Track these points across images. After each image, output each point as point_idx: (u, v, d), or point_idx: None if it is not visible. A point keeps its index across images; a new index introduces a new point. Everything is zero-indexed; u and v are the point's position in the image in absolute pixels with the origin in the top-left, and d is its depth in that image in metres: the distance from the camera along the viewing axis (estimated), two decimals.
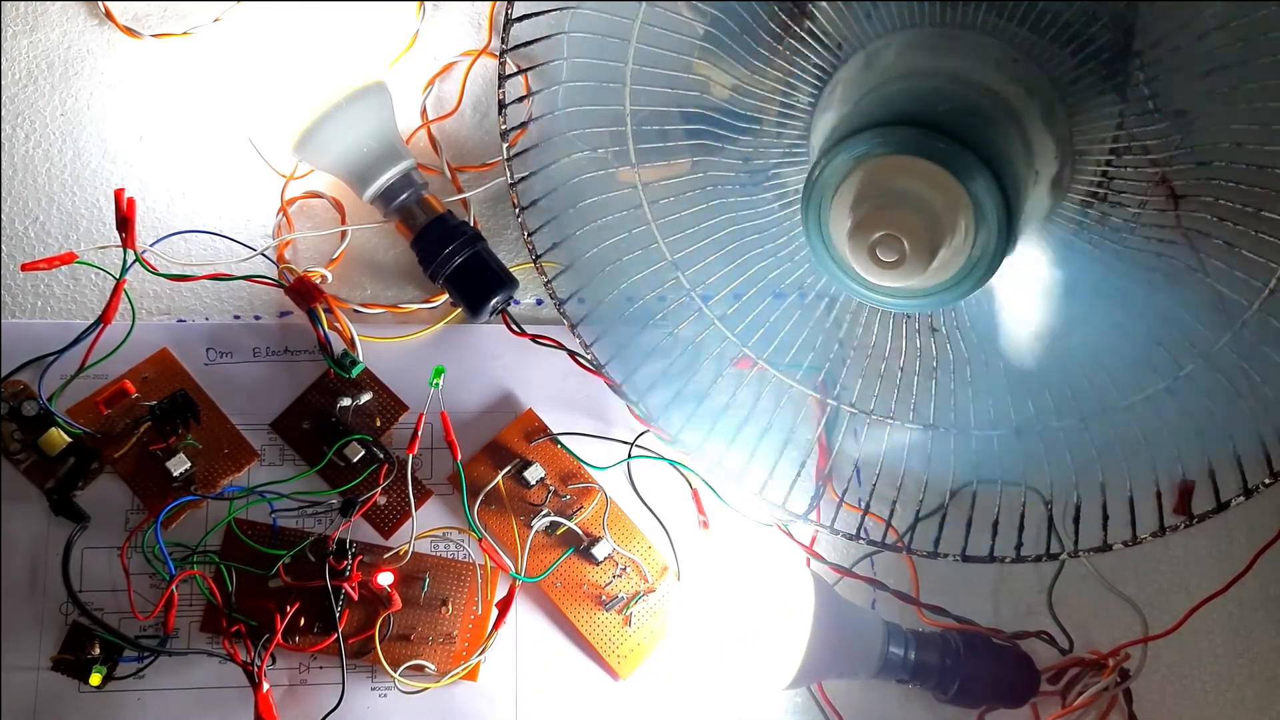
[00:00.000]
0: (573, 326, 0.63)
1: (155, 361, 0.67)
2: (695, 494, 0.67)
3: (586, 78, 0.57)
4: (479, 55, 0.74)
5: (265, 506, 0.65)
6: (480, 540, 0.64)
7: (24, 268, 0.66)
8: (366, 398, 0.67)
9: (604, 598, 0.65)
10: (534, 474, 0.66)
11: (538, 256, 0.61)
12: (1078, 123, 0.50)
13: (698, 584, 0.63)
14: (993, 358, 0.55)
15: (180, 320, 0.69)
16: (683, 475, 0.67)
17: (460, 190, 0.72)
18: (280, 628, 0.62)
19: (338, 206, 0.71)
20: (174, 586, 0.62)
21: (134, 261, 0.64)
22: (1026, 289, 0.54)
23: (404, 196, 0.67)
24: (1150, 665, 0.65)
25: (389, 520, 0.66)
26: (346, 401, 0.67)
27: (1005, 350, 0.55)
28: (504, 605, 0.63)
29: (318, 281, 0.68)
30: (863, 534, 0.60)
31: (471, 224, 0.70)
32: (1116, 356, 0.52)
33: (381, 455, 0.66)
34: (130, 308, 0.68)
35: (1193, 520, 0.53)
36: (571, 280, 0.62)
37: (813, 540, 0.66)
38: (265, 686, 0.61)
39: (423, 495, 0.66)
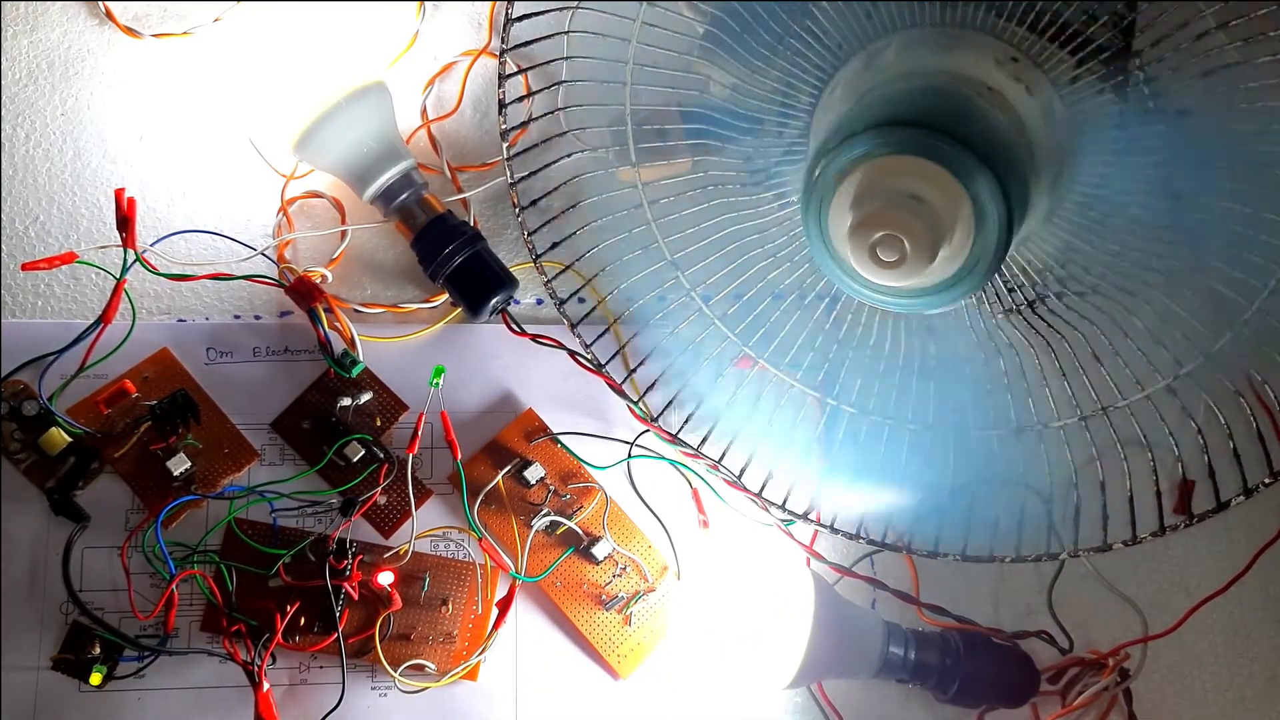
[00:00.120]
0: (573, 326, 0.63)
1: (155, 361, 0.67)
2: (695, 494, 0.67)
3: (587, 77, 0.57)
4: (479, 55, 0.74)
5: (265, 506, 0.65)
6: (480, 540, 0.64)
7: (24, 267, 0.66)
8: (366, 397, 0.67)
9: (604, 597, 0.65)
10: (534, 474, 0.66)
11: (538, 256, 0.61)
12: (1078, 123, 0.50)
13: (698, 584, 0.63)
14: (992, 357, 0.55)
15: (180, 320, 0.69)
16: (683, 475, 0.67)
17: (460, 190, 0.72)
18: (280, 627, 0.62)
19: (338, 206, 0.71)
20: (174, 586, 0.62)
21: (134, 261, 0.64)
22: (1026, 289, 0.54)
23: (404, 196, 0.67)
24: (1150, 665, 0.65)
25: (389, 520, 0.66)
26: (346, 401, 0.67)
27: (1005, 349, 0.54)
28: (504, 605, 0.63)
29: (318, 281, 0.68)
30: (863, 534, 0.60)
31: (471, 224, 0.70)
32: (1116, 356, 0.52)
33: (381, 455, 0.66)
34: (130, 307, 0.68)
35: (1193, 520, 0.53)
36: (571, 280, 0.62)
37: (813, 540, 0.66)
38: (265, 686, 0.61)
39: (423, 495, 0.66)
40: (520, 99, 0.63)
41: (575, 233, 0.60)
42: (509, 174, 0.60)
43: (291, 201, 0.71)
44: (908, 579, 0.67)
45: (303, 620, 0.63)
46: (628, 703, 0.65)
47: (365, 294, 0.70)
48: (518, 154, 0.60)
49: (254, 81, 0.67)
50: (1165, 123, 0.49)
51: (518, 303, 0.71)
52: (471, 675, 0.64)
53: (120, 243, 0.64)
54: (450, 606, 0.64)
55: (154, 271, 0.66)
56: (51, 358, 0.65)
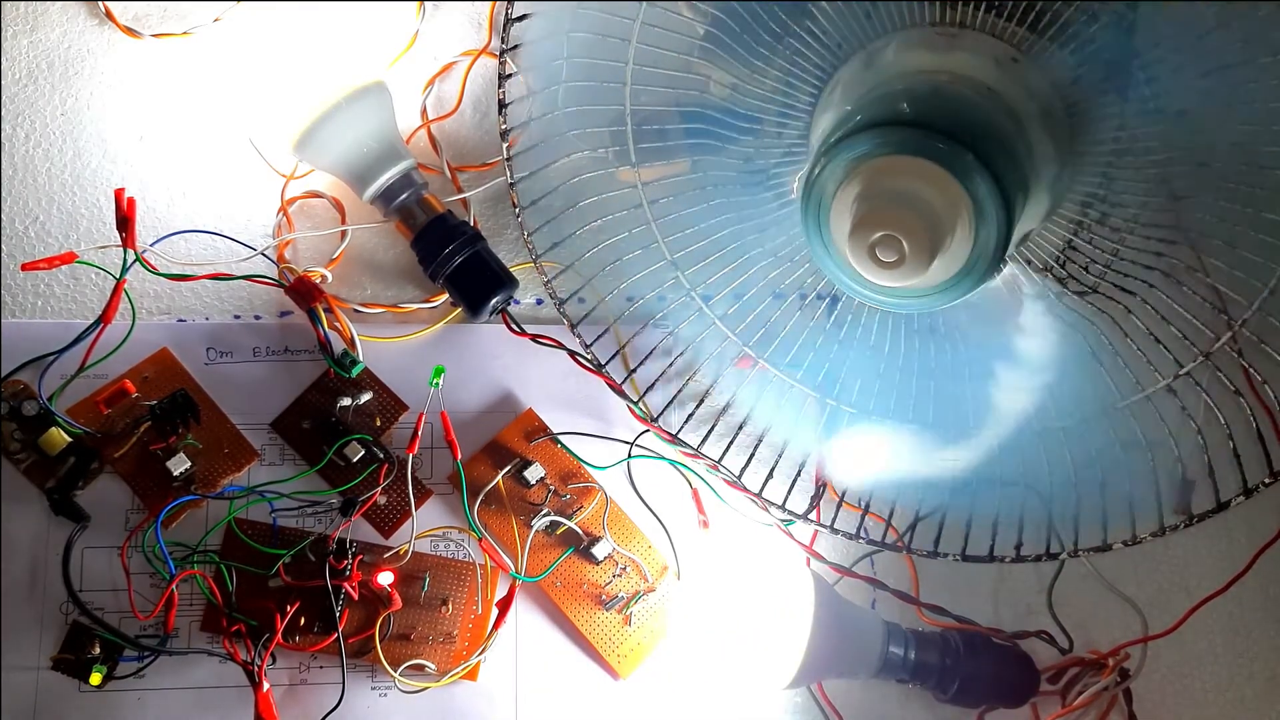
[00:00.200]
0: (573, 326, 0.63)
1: (155, 361, 0.67)
2: (695, 494, 0.67)
3: (587, 77, 0.57)
4: (479, 55, 0.74)
5: (265, 506, 0.65)
6: (480, 540, 0.64)
7: (24, 267, 0.66)
8: (366, 397, 0.67)
9: (604, 597, 0.65)
10: (534, 474, 0.66)
11: (538, 256, 0.61)
12: (1077, 123, 0.50)
13: (698, 584, 0.63)
14: (992, 357, 0.55)
15: (180, 320, 0.69)
16: (683, 475, 0.67)
17: (460, 190, 0.72)
18: (280, 627, 0.62)
19: (338, 206, 0.71)
20: (174, 586, 0.62)
21: (134, 261, 0.64)
22: (1026, 289, 0.54)
23: (404, 196, 0.67)
24: (1150, 665, 0.65)
25: (389, 520, 0.66)
26: (346, 401, 0.67)
27: (1005, 350, 0.54)
28: (504, 605, 0.63)
29: (318, 281, 0.68)
30: (863, 534, 0.60)
31: (471, 224, 0.70)
32: (1117, 356, 0.52)
33: (381, 455, 0.66)
34: (130, 307, 0.68)
35: (1193, 520, 0.53)
36: (571, 280, 0.62)
37: (813, 540, 0.66)
38: (265, 686, 0.61)
39: (423, 495, 0.66)
40: (520, 99, 0.63)
41: (575, 233, 0.60)
42: (509, 174, 0.60)
43: (291, 201, 0.71)
44: (908, 579, 0.67)
45: (303, 620, 0.63)
46: (628, 703, 0.65)
47: (365, 294, 0.70)
48: (518, 154, 0.60)
49: (254, 81, 0.67)
50: (1165, 123, 0.49)
51: (518, 303, 0.71)
52: (471, 675, 0.64)
53: (120, 243, 0.64)
54: (450, 606, 0.64)
55: (154, 271, 0.66)
56: (51, 358, 0.65)
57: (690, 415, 0.62)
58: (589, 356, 0.63)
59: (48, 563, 0.64)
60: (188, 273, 0.66)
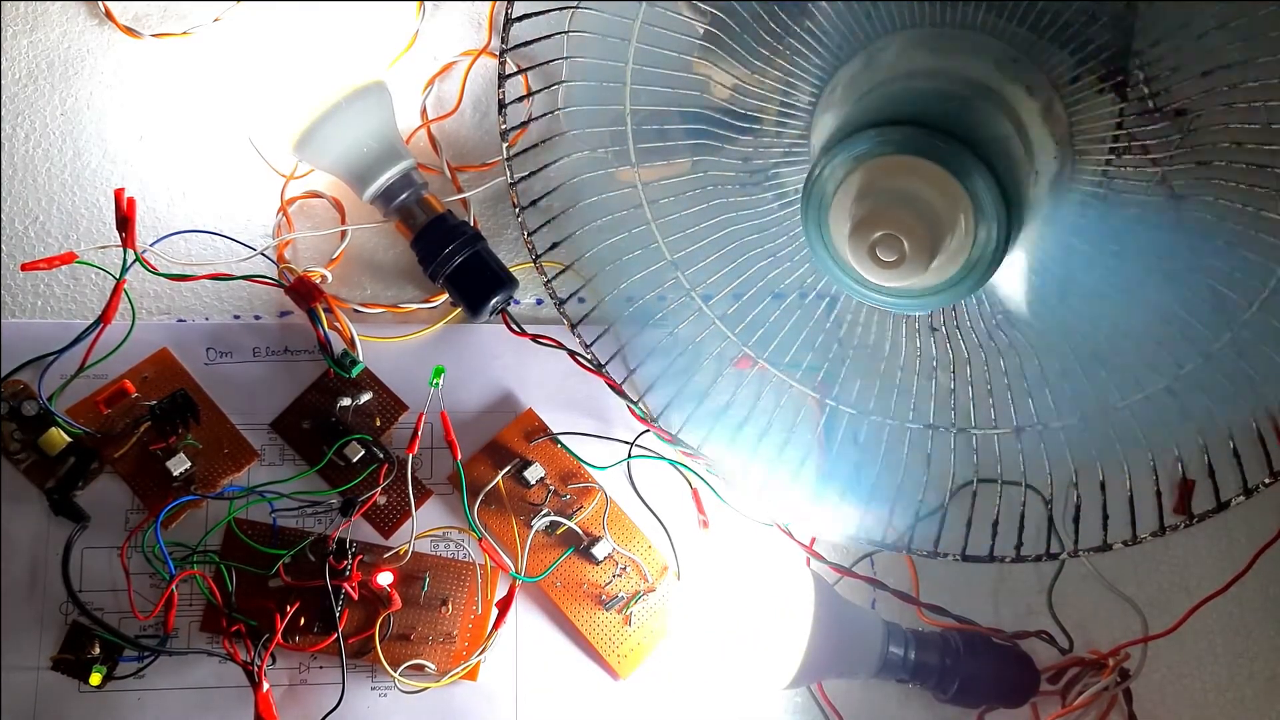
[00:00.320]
0: (573, 326, 0.63)
1: (155, 361, 0.67)
2: (695, 494, 0.67)
3: (586, 77, 0.57)
4: (479, 55, 0.74)
5: (265, 506, 0.65)
6: (480, 540, 0.64)
7: (24, 267, 0.66)
8: (366, 397, 0.67)
9: (604, 597, 0.65)
10: (534, 474, 0.66)
11: (538, 256, 0.61)
12: (1077, 122, 0.50)
13: (698, 584, 0.63)
14: (992, 357, 0.55)
15: (180, 320, 0.69)
16: (683, 475, 0.67)
17: (460, 190, 0.72)
18: (280, 627, 0.62)
19: (338, 206, 0.71)
20: (174, 586, 0.62)
21: (134, 261, 0.64)
22: (1026, 289, 0.54)
23: (404, 196, 0.67)
24: (1150, 665, 0.65)
25: (389, 520, 0.66)
26: (346, 401, 0.67)
27: (1005, 350, 0.54)
28: (504, 605, 0.63)
29: (318, 281, 0.68)
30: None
31: (471, 224, 0.70)
32: (1116, 356, 0.52)
33: (381, 455, 0.66)
34: (130, 307, 0.68)
35: (1193, 520, 0.53)
36: (571, 280, 0.62)
37: (813, 540, 0.66)
38: (265, 686, 0.61)
39: (423, 495, 0.66)
40: (520, 99, 0.63)
41: (575, 233, 0.60)
42: (509, 174, 0.60)
43: (291, 201, 0.71)
44: (908, 579, 0.67)
45: (302, 620, 0.63)
46: (628, 703, 0.65)
47: (365, 294, 0.70)
48: (518, 154, 0.60)
49: (254, 81, 0.68)
50: (1165, 123, 0.49)
51: (518, 303, 0.71)
52: (471, 675, 0.64)
53: (120, 243, 0.64)
54: (450, 606, 0.64)
55: (154, 271, 0.66)
56: (51, 358, 0.65)
57: (690, 415, 0.62)
58: (589, 356, 0.63)
59: (48, 563, 0.64)
60: (188, 273, 0.66)
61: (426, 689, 0.63)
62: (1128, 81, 0.49)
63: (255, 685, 0.61)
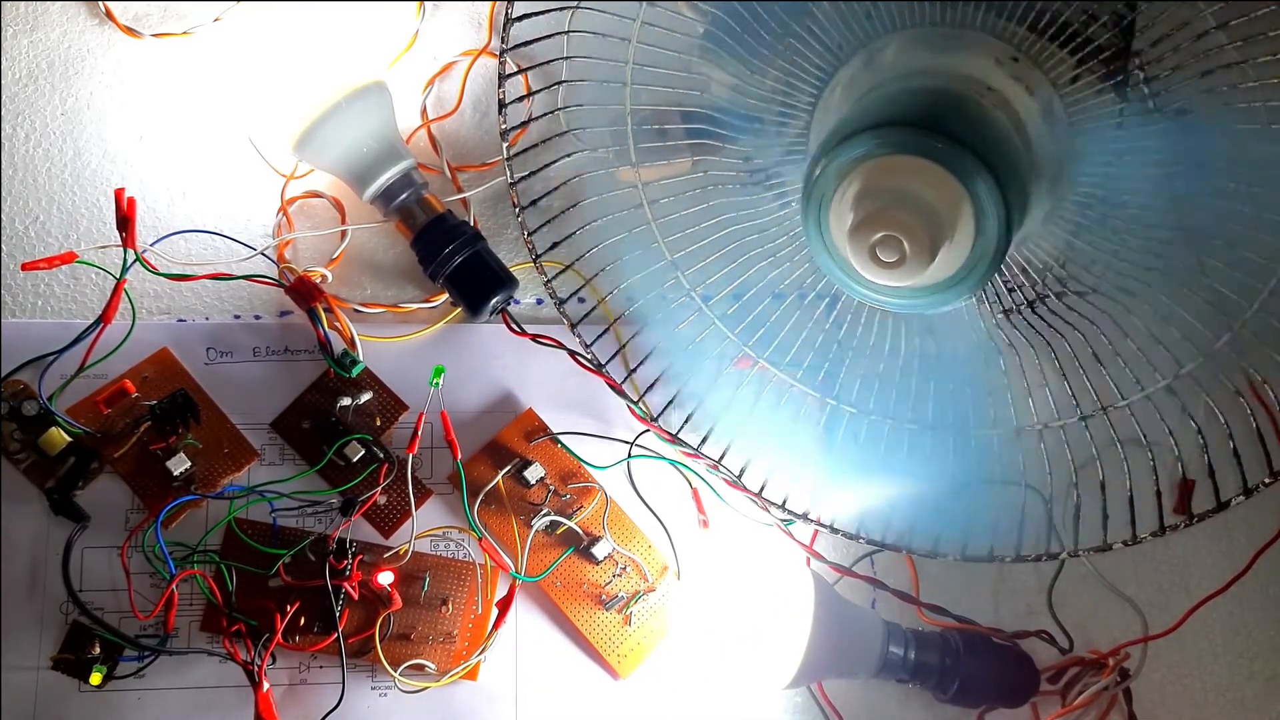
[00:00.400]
0: (573, 326, 0.63)
1: (155, 361, 0.67)
2: (695, 494, 0.67)
3: (587, 77, 0.57)
4: (479, 55, 0.74)
5: (265, 506, 0.65)
6: (480, 540, 0.64)
7: (24, 267, 0.66)
8: (366, 397, 0.67)
9: (604, 597, 0.65)
10: (534, 473, 0.66)
11: (538, 256, 0.61)
12: (1077, 122, 0.50)
13: (698, 584, 0.63)
14: (992, 357, 0.55)
15: (180, 320, 0.69)
16: (683, 475, 0.67)
17: (460, 190, 0.72)
18: (280, 627, 0.62)
19: (338, 206, 0.71)
20: (174, 586, 0.62)
21: (134, 261, 0.64)
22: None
23: (404, 196, 0.67)
24: (1150, 665, 0.65)
25: (389, 520, 0.66)
26: (346, 401, 0.67)
27: (1005, 350, 0.54)
28: (504, 605, 0.63)
29: (318, 281, 0.68)
30: (862, 534, 0.60)
31: (471, 224, 0.70)
32: (1116, 356, 0.52)
33: (381, 455, 0.66)
34: (130, 307, 0.68)
35: (1193, 520, 0.53)
36: (571, 280, 0.62)
37: (813, 540, 0.66)
38: (265, 686, 0.61)
39: (423, 495, 0.66)
40: (520, 99, 0.63)
41: (575, 233, 0.60)
42: (509, 174, 0.60)
43: (291, 201, 0.71)
44: (908, 579, 0.67)
45: (303, 620, 0.63)
46: (628, 703, 0.65)
47: (365, 294, 0.70)
48: (518, 154, 0.60)
49: (254, 81, 0.67)
50: (1165, 123, 0.49)
51: (518, 303, 0.71)
52: (471, 675, 0.64)
53: (120, 243, 0.64)
54: (450, 606, 0.64)
55: (154, 271, 0.66)
56: (51, 358, 0.65)
57: (690, 415, 0.62)
58: (589, 356, 0.63)
59: (48, 563, 0.64)
60: (188, 273, 0.66)
61: (426, 689, 0.63)
62: (1128, 81, 0.49)
63: (255, 685, 0.61)
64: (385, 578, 0.62)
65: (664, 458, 0.67)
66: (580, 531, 0.66)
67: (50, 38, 0.73)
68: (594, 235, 0.59)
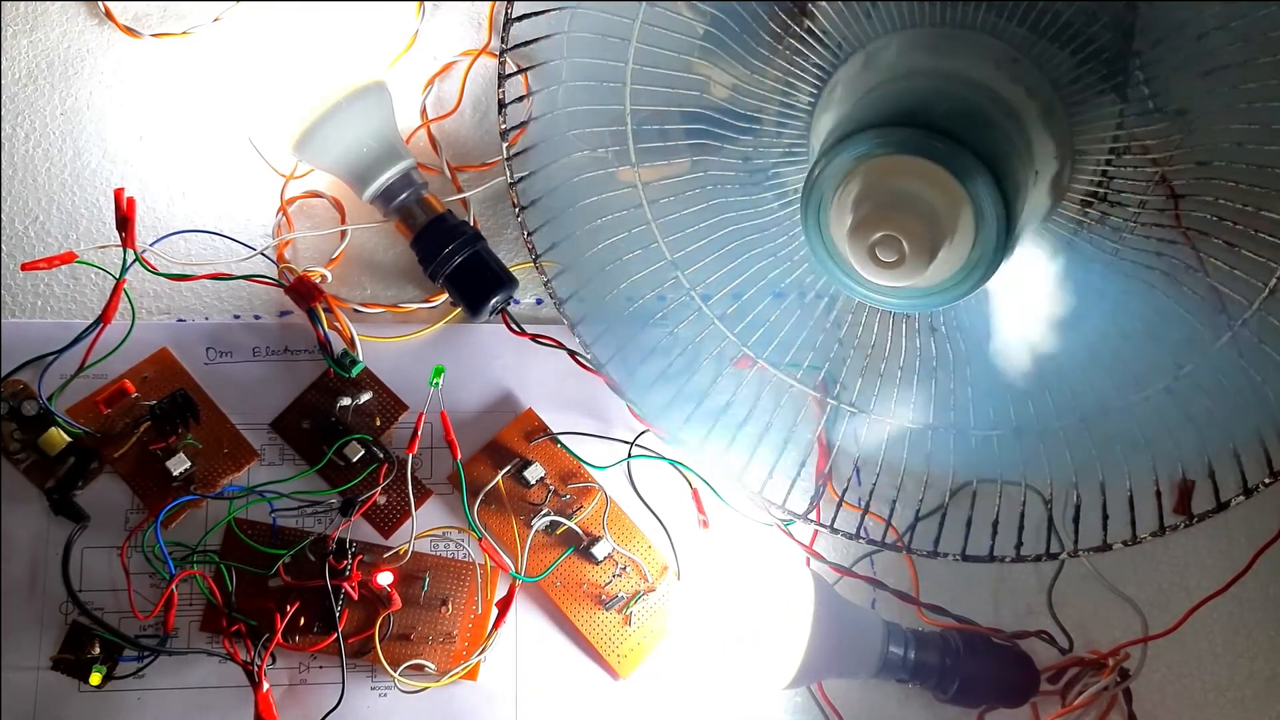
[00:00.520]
0: (573, 326, 0.63)
1: (155, 361, 0.67)
2: (695, 494, 0.67)
3: (586, 77, 0.57)
4: (479, 55, 0.74)
5: (265, 506, 0.65)
6: (480, 540, 0.64)
7: (24, 267, 0.66)
8: (366, 397, 0.67)
9: (604, 597, 0.65)
10: (534, 473, 0.66)
11: (538, 256, 0.61)
12: (1077, 122, 0.50)
13: (698, 584, 0.63)
14: (992, 357, 0.55)
15: (180, 320, 0.69)
16: (683, 475, 0.67)
17: (460, 190, 0.72)
18: (280, 627, 0.62)
19: (338, 206, 0.71)
20: (174, 586, 0.62)
21: (134, 261, 0.64)
22: (1026, 289, 0.54)
23: (404, 196, 0.67)
24: (1150, 665, 0.65)
25: (389, 520, 0.66)
26: (346, 401, 0.67)
27: (1005, 350, 0.54)
28: (504, 605, 0.63)
29: (318, 281, 0.68)
30: (863, 534, 0.60)
31: (471, 224, 0.70)
32: (1116, 356, 0.52)
33: (381, 455, 0.66)
34: (130, 307, 0.68)
35: (1193, 520, 0.53)
36: (571, 280, 0.62)
37: (813, 540, 0.66)
38: (265, 686, 0.61)
39: (423, 495, 0.66)
40: (520, 99, 0.63)
41: (575, 233, 0.60)
42: (509, 174, 0.60)
43: (291, 201, 0.71)
44: (908, 579, 0.67)
45: (302, 620, 0.63)
46: (628, 703, 0.65)
47: (365, 294, 0.70)
48: (518, 154, 0.60)
49: (254, 81, 0.68)
50: (1165, 123, 0.49)
51: (518, 303, 0.71)
52: (471, 675, 0.64)
53: (120, 243, 0.64)
54: (450, 606, 0.64)
55: (154, 271, 0.66)
56: (51, 358, 0.65)
57: (690, 415, 0.62)
58: (589, 356, 0.63)
59: (48, 563, 0.64)
60: (187, 273, 0.66)
61: (426, 689, 0.63)
62: (1128, 81, 0.49)
63: (255, 685, 0.61)
64: (385, 578, 0.62)
65: (664, 458, 0.67)
66: (580, 531, 0.66)
67: (50, 38, 0.73)
68: (594, 235, 0.59)
